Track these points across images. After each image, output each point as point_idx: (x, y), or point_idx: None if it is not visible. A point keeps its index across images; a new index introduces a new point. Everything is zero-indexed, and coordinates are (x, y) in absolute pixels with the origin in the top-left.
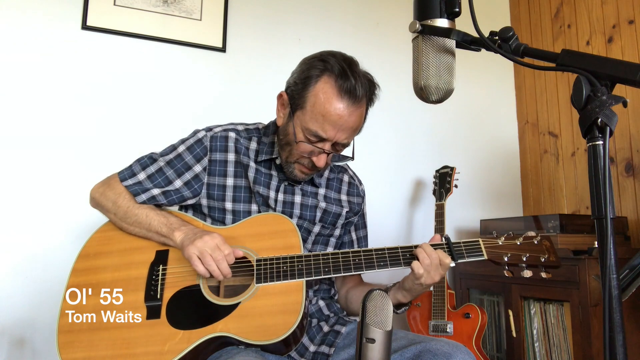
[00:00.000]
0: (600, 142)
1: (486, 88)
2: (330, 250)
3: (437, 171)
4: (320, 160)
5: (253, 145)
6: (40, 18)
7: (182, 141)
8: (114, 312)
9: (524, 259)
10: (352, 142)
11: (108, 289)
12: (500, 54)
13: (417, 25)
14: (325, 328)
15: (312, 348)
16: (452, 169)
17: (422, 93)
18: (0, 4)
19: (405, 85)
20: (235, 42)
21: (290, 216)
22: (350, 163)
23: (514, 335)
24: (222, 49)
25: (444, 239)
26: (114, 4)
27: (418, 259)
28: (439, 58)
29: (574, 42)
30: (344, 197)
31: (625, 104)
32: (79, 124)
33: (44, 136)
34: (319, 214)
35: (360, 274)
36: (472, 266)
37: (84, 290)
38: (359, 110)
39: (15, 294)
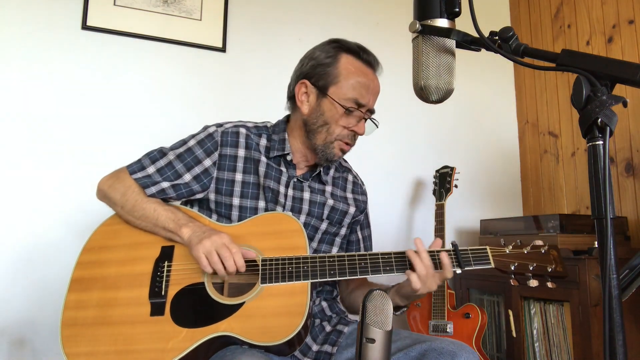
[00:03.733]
0: (600, 142)
1: (486, 88)
2: (335, 250)
3: (437, 171)
4: (362, 128)
5: (263, 141)
6: (40, 18)
7: (193, 136)
8: (118, 307)
9: (531, 269)
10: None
11: (112, 284)
12: (500, 54)
13: (417, 25)
14: (328, 328)
15: (315, 347)
16: (452, 169)
17: (422, 93)
18: (1, 4)
19: (405, 85)
20: (235, 42)
21: (299, 212)
22: (350, 160)
23: (514, 335)
24: (222, 49)
25: (451, 245)
26: (114, 4)
27: (415, 269)
28: (439, 58)
29: (574, 42)
30: (349, 195)
31: (625, 104)
32: (78, 124)
33: (44, 136)
34: (326, 211)
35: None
36: None
37: (89, 283)
38: (378, 77)
39: (15, 294)
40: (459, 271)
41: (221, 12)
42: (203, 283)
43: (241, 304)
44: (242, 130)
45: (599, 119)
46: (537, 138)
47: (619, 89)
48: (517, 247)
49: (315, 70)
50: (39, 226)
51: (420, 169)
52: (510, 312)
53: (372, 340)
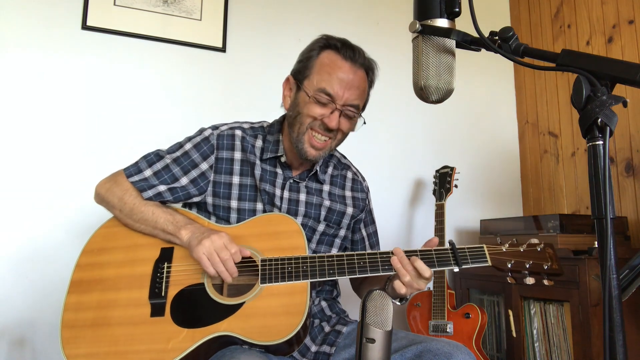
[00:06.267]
0: (600, 142)
1: (486, 88)
2: (334, 251)
3: (437, 171)
4: (332, 120)
5: (259, 143)
6: (40, 18)
7: (189, 139)
8: (118, 308)
9: (527, 266)
10: (360, 116)
11: (112, 285)
12: (500, 54)
13: (417, 25)
14: (327, 328)
15: (313, 348)
16: (452, 169)
17: (422, 93)
18: (1, 4)
19: (405, 85)
20: (235, 42)
21: (295, 214)
22: (351, 161)
23: (514, 335)
24: (222, 49)
25: (448, 243)
26: (114, 4)
27: (399, 276)
28: (439, 58)
29: (574, 42)
30: (348, 194)
31: (625, 104)
32: (78, 124)
33: (44, 136)
34: (323, 213)
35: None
36: None
37: (88, 285)
38: (361, 72)
39: (15, 294)
40: (456, 269)
41: (221, 12)
42: (203, 284)
43: (241, 304)
44: (238, 133)
45: (599, 119)
46: (537, 138)
47: (619, 89)
48: (513, 245)
49: (299, 65)
50: (39, 226)
51: (420, 169)
52: (510, 312)
53: (372, 340)
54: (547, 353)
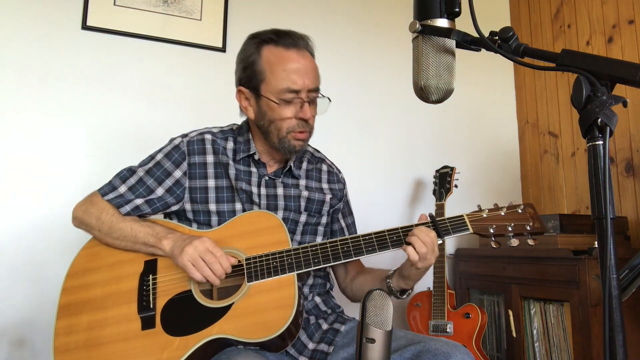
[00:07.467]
0: (600, 142)
1: (486, 88)
2: (319, 239)
3: (437, 171)
4: (307, 112)
5: (230, 145)
6: (40, 18)
7: (160, 150)
8: (109, 327)
9: (510, 229)
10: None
11: (100, 305)
12: (500, 54)
13: (417, 25)
14: (324, 326)
15: (310, 345)
16: (452, 169)
17: (422, 93)
18: (0, 4)
19: (405, 85)
20: (235, 42)
21: (275, 209)
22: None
23: (514, 335)
24: (222, 49)
25: (428, 217)
26: (114, 4)
27: (414, 248)
28: (439, 58)
29: (574, 42)
30: (325, 186)
31: (625, 104)
32: (78, 125)
33: (44, 136)
34: (303, 203)
35: (359, 261)
36: (472, 266)
37: (77, 308)
38: (306, 52)
39: (15, 294)
40: (440, 242)
41: (221, 12)
42: (190, 290)
43: (230, 305)
44: (208, 137)
45: (599, 119)
46: (537, 138)
47: (619, 89)
48: (493, 210)
49: (246, 73)
50: (39, 226)
51: (420, 169)
52: (510, 312)
53: (372, 340)
54: (547, 353)
